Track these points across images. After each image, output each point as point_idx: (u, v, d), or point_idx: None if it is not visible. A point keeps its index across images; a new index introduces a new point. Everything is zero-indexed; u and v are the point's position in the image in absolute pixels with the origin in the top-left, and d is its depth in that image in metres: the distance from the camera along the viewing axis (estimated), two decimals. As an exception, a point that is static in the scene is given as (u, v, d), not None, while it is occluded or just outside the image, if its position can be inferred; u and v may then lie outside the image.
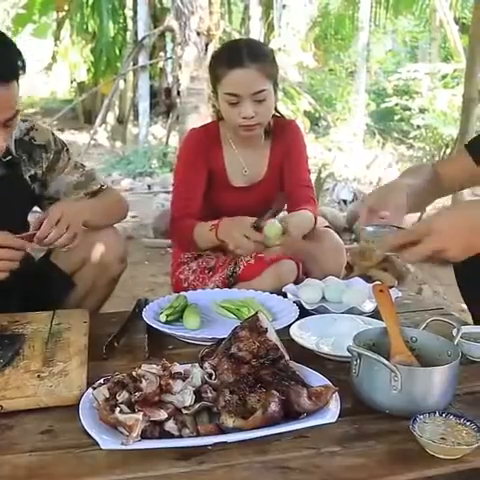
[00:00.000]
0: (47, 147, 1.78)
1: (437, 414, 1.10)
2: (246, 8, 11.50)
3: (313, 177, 6.37)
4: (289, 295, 1.80)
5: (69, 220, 1.58)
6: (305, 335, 1.51)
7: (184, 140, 2.25)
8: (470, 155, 1.58)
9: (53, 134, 1.81)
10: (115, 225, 1.91)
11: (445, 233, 1.18)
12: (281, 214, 2.14)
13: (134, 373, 1.12)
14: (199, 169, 2.10)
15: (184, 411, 1.08)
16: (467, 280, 1.78)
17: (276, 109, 2.16)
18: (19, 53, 1.46)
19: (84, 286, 1.85)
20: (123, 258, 1.89)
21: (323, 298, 1.83)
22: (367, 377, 1.18)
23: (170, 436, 1.06)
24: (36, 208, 1.87)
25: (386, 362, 1.13)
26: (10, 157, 1.66)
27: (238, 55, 1.93)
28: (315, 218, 2.06)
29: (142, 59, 10.24)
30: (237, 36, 9.33)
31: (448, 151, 6.79)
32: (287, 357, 1.21)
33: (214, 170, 2.12)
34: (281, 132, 2.16)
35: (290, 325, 1.54)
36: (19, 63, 1.44)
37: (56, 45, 11.06)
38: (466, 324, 1.48)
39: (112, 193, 1.94)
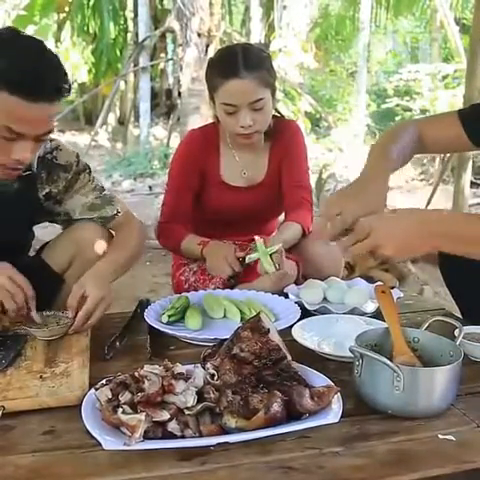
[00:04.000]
0: (67, 167, 1.76)
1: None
2: (247, 9, 11.53)
3: (314, 178, 6.39)
4: (291, 296, 1.80)
5: (108, 301, 1.58)
6: (307, 335, 1.51)
7: (181, 142, 2.25)
8: (463, 126, 1.58)
9: (78, 157, 1.80)
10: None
11: (382, 232, 1.32)
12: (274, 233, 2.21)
13: (136, 374, 1.12)
14: (192, 173, 2.11)
15: (186, 412, 1.08)
16: (452, 275, 1.83)
17: (276, 110, 2.16)
18: (66, 74, 1.48)
19: (73, 284, 1.83)
20: None
21: (325, 299, 1.84)
22: (369, 377, 1.18)
23: (172, 437, 1.06)
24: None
25: (388, 362, 1.13)
26: (29, 172, 1.65)
27: (234, 65, 1.90)
28: (304, 228, 2.05)
29: (143, 60, 10.24)
30: (238, 37, 9.34)
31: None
32: (289, 357, 1.21)
33: (209, 171, 2.12)
34: (281, 133, 2.15)
35: (292, 326, 1.54)
36: (66, 85, 1.47)
37: (57, 46, 11.04)
38: (468, 324, 1.48)
39: (130, 234, 1.83)
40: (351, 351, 1.20)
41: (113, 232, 1.86)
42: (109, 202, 1.85)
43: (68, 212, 1.82)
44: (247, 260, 1.88)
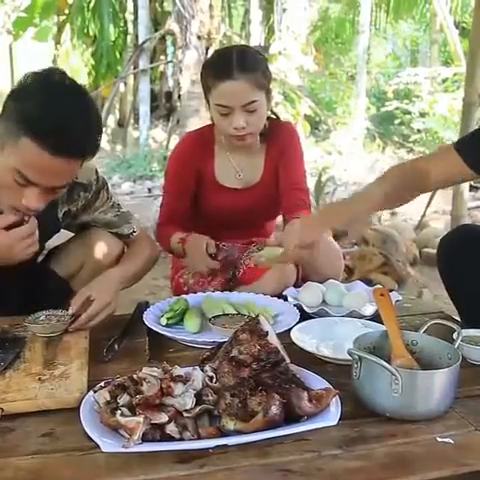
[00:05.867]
0: (87, 186, 1.73)
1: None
2: (246, 12, 11.54)
3: (313, 181, 6.39)
4: (290, 298, 1.80)
5: (113, 307, 1.60)
6: (306, 338, 1.51)
7: (177, 144, 2.26)
8: (462, 158, 1.59)
9: (97, 172, 1.76)
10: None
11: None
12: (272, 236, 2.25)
13: (135, 376, 1.12)
14: (187, 175, 2.12)
15: (185, 414, 1.08)
16: (451, 276, 1.83)
17: (272, 111, 2.16)
18: (98, 133, 1.42)
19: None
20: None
21: (323, 301, 1.83)
22: (368, 380, 1.18)
23: (171, 439, 1.07)
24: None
25: (387, 365, 1.13)
26: None
27: (228, 66, 1.90)
28: None
29: (143, 62, 10.25)
30: (237, 40, 9.36)
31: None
32: (288, 360, 1.21)
33: (204, 173, 2.13)
34: (276, 135, 2.15)
35: (291, 328, 1.54)
36: (93, 145, 1.42)
37: (57, 48, 11.07)
38: (467, 327, 1.49)
39: (143, 247, 1.86)
40: (349, 354, 1.20)
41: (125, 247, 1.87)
42: (127, 221, 1.86)
43: (83, 224, 1.82)
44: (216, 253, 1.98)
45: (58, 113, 1.33)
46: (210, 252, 1.95)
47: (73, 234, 1.90)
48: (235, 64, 1.90)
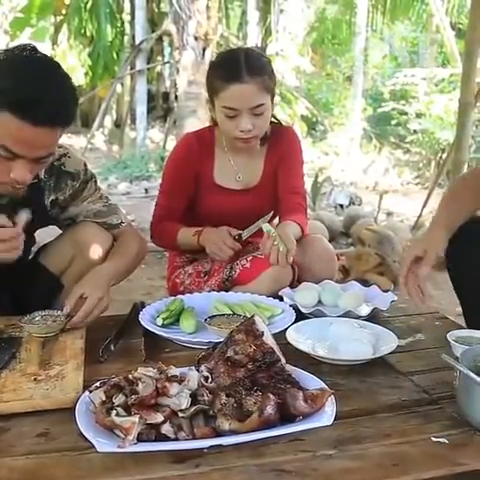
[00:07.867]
0: (75, 175, 1.76)
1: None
2: (244, 13, 11.54)
3: (310, 181, 6.40)
4: (285, 299, 1.81)
5: (106, 302, 1.60)
6: (301, 338, 1.51)
7: (176, 145, 2.26)
8: None
9: (85, 165, 1.80)
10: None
11: None
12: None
13: (130, 376, 1.13)
14: (185, 176, 2.12)
15: (180, 414, 1.08)
16: (460, 279, 1.81)
17: (273, 115, 2.17)
18: (73, 101, 1.47)
19: (73, 285, 1.83)
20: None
21: (319, 302, 1.84)
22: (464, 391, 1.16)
23: (166, 439, 1.07)
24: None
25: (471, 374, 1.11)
26: (36, 180, 1.63)
27: (237, 69, 1.91)
28: (302, 229, 2.05)
29: (140, 63, 10.25)
30: (235, 41, 9.36)
31: (444, 156, 6.81)
32: (283, 360, 1.21)
33: (202, 174, 2.13)
34: (277, 138, 2.16)
35: (286, 329, 1.54)
36: (69, 112, 1.45)
37: (54, 49, 11.05)
38: (460, 328, 1.49)
39: (132, 241, 1.86)
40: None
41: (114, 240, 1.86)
42: (115, 212, 1.87)
43: (73, 217, 1.83)
44: (244, 236, 1.99)
45: (33, 84, 1.37)
46: (234, 235, 1.97)
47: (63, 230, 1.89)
48: (243, 67, 1.90)
